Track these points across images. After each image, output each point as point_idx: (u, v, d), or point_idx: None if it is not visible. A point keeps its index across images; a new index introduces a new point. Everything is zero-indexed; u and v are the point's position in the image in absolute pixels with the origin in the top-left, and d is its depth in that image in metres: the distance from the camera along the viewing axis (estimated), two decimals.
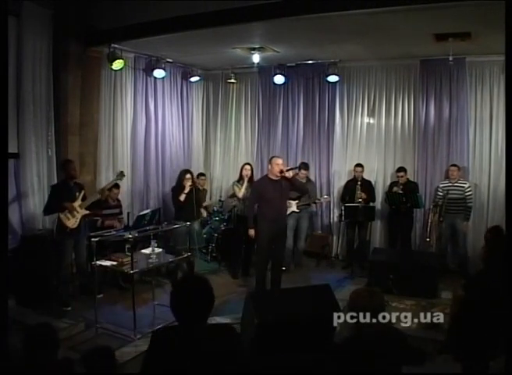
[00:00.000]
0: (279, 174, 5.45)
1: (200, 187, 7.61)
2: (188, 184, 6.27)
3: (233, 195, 7.02)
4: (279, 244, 5.71)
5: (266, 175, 5.74)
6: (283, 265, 6.28)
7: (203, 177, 7.81)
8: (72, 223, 5.35)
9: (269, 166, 5.62)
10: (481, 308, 3.05)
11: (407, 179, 7.03)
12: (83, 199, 5.50)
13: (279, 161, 5.56)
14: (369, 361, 2.43)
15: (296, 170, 6.79)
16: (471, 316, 3.11)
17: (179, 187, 6.36)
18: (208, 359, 2.19)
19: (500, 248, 3.10)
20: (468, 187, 6.66)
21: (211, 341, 2.26)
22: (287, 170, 5.53)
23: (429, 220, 6.83)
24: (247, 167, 6.75)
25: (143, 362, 2.28)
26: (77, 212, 5.38)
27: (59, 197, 5.34)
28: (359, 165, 7.23)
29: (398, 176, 7.01)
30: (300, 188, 6.05)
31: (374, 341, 2.51)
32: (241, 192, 6.65)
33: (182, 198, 6.25)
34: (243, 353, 2.40)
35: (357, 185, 7.05)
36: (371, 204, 7.18)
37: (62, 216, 5.33)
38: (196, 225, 6.51)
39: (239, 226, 6.81)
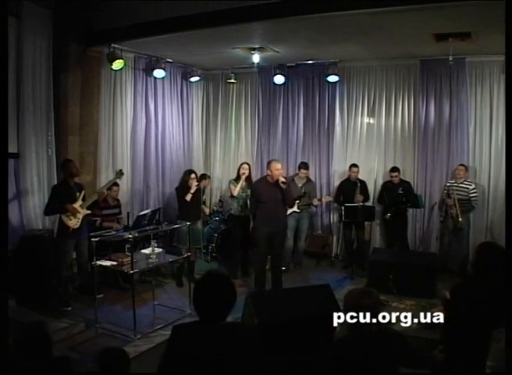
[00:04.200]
0: (275, 178, 5.53)
1: (202, 187, 7.60)
2: (194, 184, 6.28)
3: (229, 193, 7.01)
4: (277, 245, 5.73)
5: (265, 177, 5.78)
6: (283, 265, 6.30)
7: (206, 179, 7.74)
8: (74, 223, 5.34)
9: (268, 171, 5.67)
10: (468, 316, 3.03)
11: (400, 179, 7.06)
12: (84, 199, 5.49)
13: (278, 166, 5.63)
14: (358, 361, 2.42)
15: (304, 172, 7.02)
16: (458, 322, 3.09)
17: (183, 187, 6.35)
18: (223, 356, 2.24)
19: (492, 261, 3.10)
20: (473, 188, 6.63)
21: (228, 338, 2.32)
22: (283, 183, 5.55)
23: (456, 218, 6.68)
24: (245, 166, 6.75)
25: (163, 354, 2.33)
26: (79, 212, 5.38)
27: (60, 197, 5.33)
28: (355, 165, 7.24)
29: (392, 176, 7.02)
30: (286, 200, 5.82)
31: (365, 341, 2.50)
32: (236, 191, 6.66)
33: (188, 197, 6.25)
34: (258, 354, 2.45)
35: (357, 187, 7.03)
36: (371, 204, 7.19)
37: (63, 216, 5.32)
38: (199, 224, 6.53)
39: (235, 225, 6.83)
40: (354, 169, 7.20)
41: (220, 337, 2.30)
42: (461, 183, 6.67)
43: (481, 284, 3.05)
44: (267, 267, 5.94)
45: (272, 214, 5.58)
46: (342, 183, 7.41)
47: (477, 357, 3.00)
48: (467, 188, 6.63)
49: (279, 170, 5.57)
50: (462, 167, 6.71)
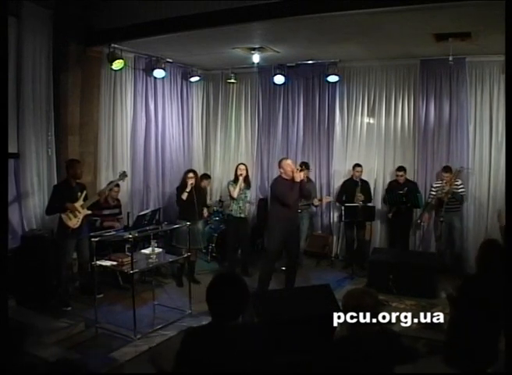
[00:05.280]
0: (291, 174, 5.54)
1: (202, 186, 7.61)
2: (189, 183, 6.25)
3: (229, 195, 7.00)
4: (292, 244, 5.77)
5: (280, 176, 5.76)
6: (283, 265, 6.29)
7: (206, 180, 7.61)
8: (74, 222, 5.34)
9: (281, 169, 5.70)
10: (475, 314, 3.05)
11: (406, 178, 7.05)
12: (85, 199, 5.49)
13: (289, 161, 5.74)
14: (359, 361, 2.42)
15: (306, 171, 6.84)
16: (465, 320, 3.10)
17: (182, 187, 6.36)
18: (239, 357, 2.25)
19: (492, 257, 3.13)
20: (460, 184, 6.66)
21: (242, 338, 2.33)
22: (300, 171, 5.59)
23: (422, 219, 6.91)
24: (242, 167, 6.75)
25: (175, 359, 2.32)
26: (79, 212, 5.38)
27: (62, 197, 5.33)
28: (358, 165, 7.24)
29: (397, 175, 7.02)
30: (305, 194, 5.97)
31: (363, 342, 2.50)
32: (235, 192, 6.65)
33: (184, 196, 6.24)
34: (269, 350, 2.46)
35: (358, 187, 7.04)
36: (370, 204, 7.18)
37: (64, 216, 5.32)
38: (200, 225, 6.51)
39: (235, 227, 6.83)
40: (358, 168, 7.20)
41: (235, 337, 2.31)
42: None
43: (486, 282, 3.07)
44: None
45: (291, 214, 5.64)
46: (345, 183, 7.41)
47: (488, 354, 3.02)
48: (456, 185, 6.62)
49: (290, 166, 5.62)
50: (447, 173, 6.62)
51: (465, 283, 3.29)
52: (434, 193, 6.79)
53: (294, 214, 5.79)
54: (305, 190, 5.82)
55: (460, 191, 6.63)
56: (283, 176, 5.66)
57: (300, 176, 5.54)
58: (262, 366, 2.34)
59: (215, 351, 2.24)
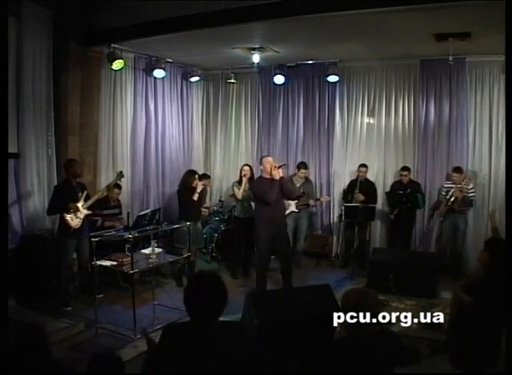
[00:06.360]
0: (269, 170, 5.51)
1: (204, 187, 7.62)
2: (200, 183, 6.31)
3: (233, 195, 7.04)
4: (281, 244, 5.73)
5: (261, 176, 5.77)
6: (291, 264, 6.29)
7: (206, 180, 7.65)
8: (76, 223, 5.33)
9: (261, 167, 5.72)
10: (483, 313, 3.05)
11: (410, 179, 7.04)
12: (86, 199, 5.48)
13: (270, 159, 5.67)
14: (359, 361, 2.42)
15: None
16: (472, 319, 3.10)
17: (187, 188, 6.30)
18: (216, 355, 2.24)
19: (500, 256, 3.13)
20: (471, 188, 6.61)
21: (220, 337, 2.32)
22: (278, 167, 5.53)
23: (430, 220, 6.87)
24: (246, 168, 6.76)
25: (152, 355, 2.35)
26: (80, 212, 5.38)
27: (62, 197, 5.32)
28: (363, 165, 7.23)
29: (402, 175, 7.00)
30: (286, 192, 5.69)
31: (362, 342, 2.50)
32: (240, 193, 6.67)
33: (195, 197, 6.25)
34: (250, 349, 2.45)
35: (356, 186, 7.04)
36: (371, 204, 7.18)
37: (66, 216, 5.32)
38: (199, 225, 6.56)
39: (239, 227, 6.84)
40: (362, 169, 7.19)
41: (211, 336, 2.30)
42: (459, 183, 6.65)
43: (495, 282, 3.08)
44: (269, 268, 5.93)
45: (274, 213, 5.57)
46: (350, 183, 7.39)
47: (491, 354, 3.03)
48: (466, 188, 6.60)
49: (269, 163, 5.56)
50: (458, 174, 6.59)
51: (477, 284, 3.28)
52: (444, 193, 6.77)
53: (278, 213, 5.68)
54: (286, 188, 5.64)
55: (470, 195, 6.59)
56: (264, 174, 5.65)
57: (278, 173, 5.48)
58: (244, 365, 2.33)
59: (192, 349, 2.24)
